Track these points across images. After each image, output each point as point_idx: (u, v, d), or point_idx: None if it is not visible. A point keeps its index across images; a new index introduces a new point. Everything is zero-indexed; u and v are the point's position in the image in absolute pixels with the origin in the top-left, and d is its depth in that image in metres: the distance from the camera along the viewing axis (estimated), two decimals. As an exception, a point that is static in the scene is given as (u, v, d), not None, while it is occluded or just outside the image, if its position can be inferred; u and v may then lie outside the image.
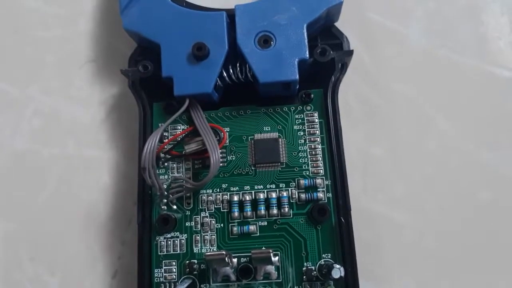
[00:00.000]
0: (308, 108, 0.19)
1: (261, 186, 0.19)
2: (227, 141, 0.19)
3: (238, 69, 0.19)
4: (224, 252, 0.17)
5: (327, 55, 0.18)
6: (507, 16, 0.22)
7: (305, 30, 0.18)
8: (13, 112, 0.23)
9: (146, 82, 0.19)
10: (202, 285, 0.18)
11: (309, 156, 0.19)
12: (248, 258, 0.18)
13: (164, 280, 0.18)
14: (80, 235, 0.21)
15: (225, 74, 0.19)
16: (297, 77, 0.18)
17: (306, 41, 0.18)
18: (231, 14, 0.19)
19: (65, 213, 0.21)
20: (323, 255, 0.18)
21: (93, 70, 0.23)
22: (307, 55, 0.18)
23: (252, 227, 0.18)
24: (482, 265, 0.19)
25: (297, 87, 0.19)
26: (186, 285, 0.17)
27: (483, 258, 0.19)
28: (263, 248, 0.17)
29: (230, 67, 0.19)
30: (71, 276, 0.21)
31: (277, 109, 0.19)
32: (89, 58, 0.23)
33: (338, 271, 0.16)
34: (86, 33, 0.23)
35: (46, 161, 0.22)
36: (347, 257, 0.17)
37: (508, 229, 0.20)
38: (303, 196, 0.19)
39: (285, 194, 0.19)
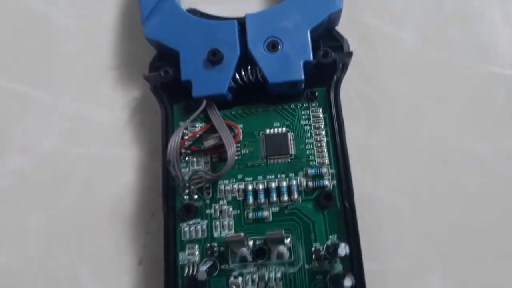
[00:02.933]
0: (313, 104, 0.21)
1: (273, 176, 0.20)
2: (241, 136, 0.21)
3: (249, 71, 0.20)
4: (242, 234, 0.18)
5: (329, 57, 0.20)
6: (499, 16, 0.23)
7: (309, 35, 0.20)
8: (45, 116, 0.24)
9: (166, 86, 0.21)
10: (222, 266, 0.19)
11: (315, 148, 0.20)
12: (262, 241, 0.19)
13: (187, 263, 0.19)
14: (107, 227, 0.22)
15: (237, 76, 0.20)
16: (303, 77, 0.20)
17: (310, 44, 0.20)
18: (241, 22, 0.21)
19: (93, 207, 0.22)
20: (330, 236, 0.19)
21: (115, 77, 0.24)
22: (311, 57, 0.20)
23: (265, 213, 0.20)
24: (472, 246, 0.21)
25: (303, 86, 0.20)
26: (208, 265, 0.18)
27: (472, 240, 0.21)
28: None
29: (242, 69, 0.20)
30: (100, 264, 0.22)
31: (285, 106, 0.21)
32: (112, 66, 0.24)
33: (343, 250, 0.18)
34: (107, 43, 0.24)
35: (75, 161, 0.23)
36: (352, 237, 0.19)
37: (496, 215, 0.21)
38: (310, 184, 0.20)
39: (294, 182, 0.20)
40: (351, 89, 0.22)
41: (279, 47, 0.20)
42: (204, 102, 0.20)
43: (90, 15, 0.25)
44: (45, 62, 0.24)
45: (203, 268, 0.18)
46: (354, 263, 0.18)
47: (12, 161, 0.23)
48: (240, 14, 0.21)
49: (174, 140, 0.19)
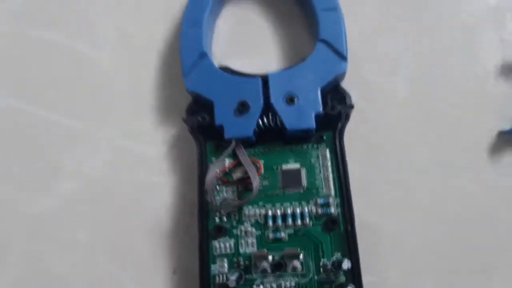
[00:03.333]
0: (322, 146, 0.23)
1: (288, 204, 0.23)
2: (263, 170, 0.23)
3: (271, 119, 0.23)
4: (265, 250, 0.22)
5: (335, 110, 0.23)
6: (477, 69, 0.26)
7: (319, 92, 0.23)
8: (96, 148, 0.26)
9: (202, 128, 0.24)
10: (246, 276, 0.22)
11: (323, 181, 0.23)
12: (280, 256, 0.22)
13: (218, 273, 0.22)
14: (147, 241, 0.24)
15: (261, 123, 0.23)
16: (314, 126, 0.23)
17: (320, 100, 0.23)
18: (264, 79, 0.23)
19: (136, 225, 0.25)
20: (335, 253, 0.22)
21: (156, 116, 0.27)
22: (321, 110, 0.23)
23: (282, 234, 0.22)
24: (458, 261, 0.24)
25: (314, 131, 0.23)
26: (236, 275, 0.22)
27: (457, 256, 0.24)
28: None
29: (264, 117, 0.23)
30: (141, 272, 0.24)
31: (299, 147, 0.23)
32: (152, 106, 0.27)
33: (346, 264, 0.21)
34: (150, 87, 0.27)
35: (121, 185, 0.25)
36: (352, 255, 0.21)
37: (476, 236, 0.24)
38: (319, 211, 0.22)
39: (306, 209, 0.22)
40: (353, 133, 0.24)
41: (295, 101, 0.23)
42: (233, 143, 0.23)
43: (134, 60, 0.27)
44: (96, 102, 0.27)
45: (233, 277, 0.21)
46: (355, 275, 0.21)
47: (65, 185, 0.26)
48: (260, 67, 0.25)
49: (212, 173, 0.22)
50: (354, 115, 0.24)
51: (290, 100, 0.23)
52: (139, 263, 0.24)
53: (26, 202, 0.26)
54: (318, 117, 0.23)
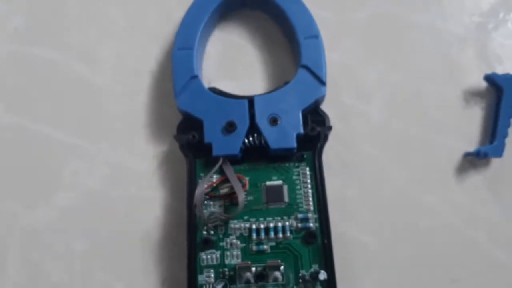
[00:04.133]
0: (302, 164, 0.25)
1: (271, 218, 0.24)
2: (248, 186, 0.25)
3: (256, 138, 0.25)
4: (249, 262, 0.23)
5: (315, 131, 0.25)
6: (444, 94, 0.28)
7: (300, 114, 0.24)
8: (90, 163, 0.27)
9: (191, 145, 0.25)
10: (231, 286, 0.23)
11: (303, 197, 0.24)
12: (262, 267, 0.23)
13: (205, 283, 0.23)
14: (138, 252, 0.26)
15: (246, 141, 0.25)
16: (295, 145, 0.24)
17: (301, 122, 0.24)
18: (250, 100, 0.25)
19: (128, 237, 0.26)
20: (313, 265, 0.23)
21: (148, 133, 0.28)
22: (302, 131, 0.24)
23: (265, 246, 0.24)
24: (426, 273, 0.26)
25: (295, 150, 0.25)
26: (221, 285, 0.23)
27: (427, 268, 0.26)
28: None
29: (250, 136, 0.25)
30: (132, 282, 0.25)
31: (281, 165, 0.25)
32: (145, 124, 0.28)
33: (322, 275, 0.22)
34: (143, 105, 0.28)
35: (113, 199, 0.27)
36: (328, 266, 0.23)
37: (444, 248, 0.26)
38: (299, 225, 0.24)
39: (287, 223, 0.24)
40: (331, 152, 0.26)
41: (278, 122, 0.24)
42: (221, 160, 0.24)
43: (128, 81, 0.29)
44: (91, 119, 0.28)
45: (219, 286, 0.23)
46: (331, 285, 0.23)
47: (62, 197, 0.27)
48: (248, 91, 0.26)
49: (200, 188, 0.24)
50: (332, 136, 0.26)
51: (274, 121, 0.25)
52: (131, 273, 0.26)
53: (25, 214, 0.27)
54: (299, 137, 0.25)
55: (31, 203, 0.27)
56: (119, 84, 0.29)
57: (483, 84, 0.28)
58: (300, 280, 0.23)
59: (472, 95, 0.29)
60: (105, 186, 0.27)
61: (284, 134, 0.25)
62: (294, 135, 0.25)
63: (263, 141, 0.25)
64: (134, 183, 0.27)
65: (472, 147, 0.28)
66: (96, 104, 0.29)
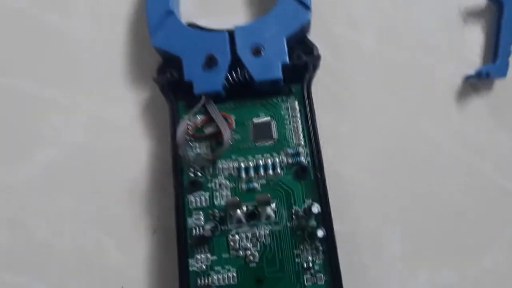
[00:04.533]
0: (291, 98, 0.24)
1: (260, 155, 0.23)
2: (234, 125, 0.24)
3: (239, 72, 0.23)
4: (238, 198, 0.22)
5: (302, 60, 0.23)
6: (440, 16, 0.26)
7: (285, 42, 0.23)
8: (69, 115, 0.26)
9: (172, 86, 0.24)
10: (222, 227, 0.22)
11: (292, 132, 0.23)
12: (254, 206, 0.22)
13: (195, 225, 0.22)
14: (127, 204, 0.25)
15: (229, 77, 0.23)
16: (281, 75, 0.23)
17: (286, 49, 0.23)
18: (231, 33, 0.24)
19: (113, 188, 0.25)
20: (306, 200, 0.22)
21: (128, 80, 0.27)
22: (287, 60, 0.23)
23: (255, 184, 0.23)
24: (426, 208, 0.24)
25: (282, 83, 0.24)
26: (211, 225, 0.22)
27: (426, 204, 0.24)
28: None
29: (233, 71, 0.23)
30: (121, 236, 0.25)
31: (269, 100, 0.24)
32: (124, 70, 0.27)
33: (316, 208, 0.22)
34: (120, 51, 0.27)
35: (97, 151, 0.25)
36: (323, 200, 0.22)
37: (445, 182, 0.25)
38: (290, 160, 0.23)
39: (277, 160, 0.23)
40: (321, 84, 0.25)
41: (262, 52, 0.23)
42: (203, 98, 0.23)
43: (103, 27, 0.27)
44: (67, 69, 0.27)
45: (208, 226, 0.22)
46: (325, 220, 0.22)
47: (43, 153, 0.26)
48: (229, 25, 0.24)
49: (182, 127, 0.23)
50: (321, 67, 0.25)
51: (257, 51, 0.23)
52: (120, 227, 0.25)
53: (6, 173, 0.26)
54: (285, 68, 0.23)
55: (10, 162, 0.26)
56: (94, 30, 0.27)
57: (482, 1, 0.26)
58: (293, 216, 0.22)
59: (470, 14, 0.27)
60: (87, 138, 0.26)
61: (269, 65, 0.23)
62: (279, 65, 0.23)
63: (247, 75, 0.23)
64: (116, 133, 0.26)
65: (473, 70, 0.26)
66: (71, 54, 0.27)
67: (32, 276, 0.25)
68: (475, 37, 0.27)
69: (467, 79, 0.26)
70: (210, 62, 0.23)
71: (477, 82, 0.26)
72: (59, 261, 0.25)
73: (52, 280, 0.24)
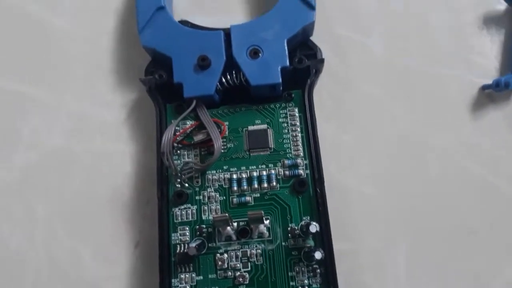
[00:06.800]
0: (290, 105, 0.22)
1: (254, 166, 0.22)
2: (227, 132, 0.22)
3: (234, 75, 0.22)
4: (227, 214, 0.20)
5: (304, 63, 0.22)
6: (454, 22, 0.25)
7: (285, 44, 0.22)
8: (50, 116, 0.25)
9: (160, 88, 0.23)
10: (209, 244, 0.21)
11: (291, 142, 0.22)
12: (245, 222, 0.21)
13: (179, 242, 0.21)
14: (107, 214, 0.23)
15: (224, 80, 0.22)
16: (280, 80, 0.21)
17: (286, 52, 0.22)
18: (227, 32, 0.22)
19: (94, 196, 0.24)
20: (303, 218, 0.21)
21: (114, 80, 0.25)
22: (288, 63, 0.22)
23: (248, 198, 0.21)
24: (431, 224, 0.23)
25: (281, 88, 0.22)
26: (197, 243, 0.20)
27: (431, 219, 0.23)
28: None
29: (227, 74, 0.22)
30: (100, 248, 0.23)
31: (266, 106, 0.22)
32: (111, 70, 0.25)
33: (314, 227, 0.20)
34: (106, 49, 0.26)
35: (78, 155, 0.24)
36: (322, 218, 0.20)
37: (451, 197, 0.23)
38: (287, 172, 0.21)
39: (273, 172, 0.21)
40: (324, 91, 0.24)
41: (260, 54, 0.22)
42: (194, 102, 0.22)
43: (90, 22, 0.26)
44: (49, 66, 0.26)
45: (193, 244, 0.20)
46: (324, 240, 0.20)
47: (21, 156, 0.25)
48: (226, 25, 0.23)
49: (168, 134, 0.21)
50: (325, 72, 0.24)
51: (254, 53, 0.22)
52: (99, 238, 0.23)
53: None
54: (285, 72, 0.22)
55: None
56: (81, 26, 0.27)
57: (501, 5, 0.25)
58: (289, 235, 0.21)
59: (488, 19, 0.25)
60: (68, 141, 0.25)
61: (267, 68, 0.22)
62: (279, 69, 0.22)
63: (242, 79, 0.22)
64: (100, 136, 0.25)
65: (489, 79, 0.24)
66: (55, 49, 0.26)
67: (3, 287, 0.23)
68: (492, 45, 0.25)
69: (484, 88, 0.24)
70: (203, 64, 0.22)
71: (494, 93, 0.24)
72: (33, 272, 0.23)
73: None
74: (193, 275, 0.21)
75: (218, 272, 0.21)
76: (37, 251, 0.23)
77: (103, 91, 0.25)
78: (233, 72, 0.22)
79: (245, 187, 0.22)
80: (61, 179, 0.24)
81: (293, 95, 0.23)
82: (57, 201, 0.24)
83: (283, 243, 0.21)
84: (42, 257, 0.23)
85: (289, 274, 0.20)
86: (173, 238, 0.21)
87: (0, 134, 0.25)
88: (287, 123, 0.22)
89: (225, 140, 0.22)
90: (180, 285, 0.21)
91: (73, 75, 0.26)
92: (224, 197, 0.22)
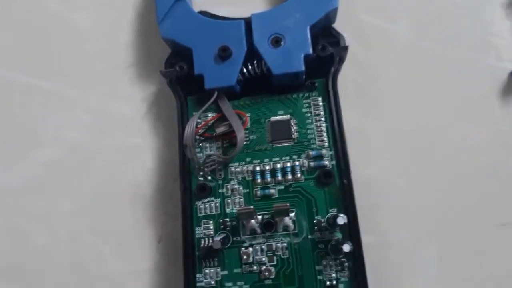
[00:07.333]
0: (313, 94, 0.22)
1: (278, 158, 0.21)
2: (249, 123, 0.22)
3: (256, 65, 0.22)
4: (252, 207, 0.20)
5: (327, 51, 0.21)
6: (483, 7, 0.24)
7: (308, 31, 0.21)
8: (71, 111, 0.25)
9: (181, 80, 0.22)
10: (234, 238, 0.20)
11: (315, 132, 0.21)
12: (270, 215, 0.20)
13: (203, 236, 0.21)
14: (129, 209, 0.23)
15: (245, 70, 0.22)
16: (303, 68, 0.21)
17: (309, 40, 0.21)
18: (248, 22, 0.22)
19: (116, 192, 0.24)
20: (330, 210, 0.20)
21: (134, 73, 0.25)
22: (311, 51, 0.21)
23: (272, 190, 0.21)
24: (461, 217, 0.22)
25: (304, 77, 0.22)
26: (221, 237, 0.20)
27: (461, 211, 0.22)
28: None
29: (249, 64, 0.22)
30: (122, 244, 0.23)
31: (288, 96, 0.22)
32: (130, 64, 0.25)
33: (342, 219, 0.19)
34: (126, 43, 0.26)
35: (99, 150, 0.24)
36: (349, 210, 0.20)
37: (479, 188, 0.22)
38: (312, 164, 0.21)
39: (297, 163, 0.21)
40: (348, 79, 0.23)
41: (282, 42, 0.21)
42: (215, 94, 0.21)
43: (109, 18, 0.26)
44: (70, 62, 0.26)
45: (218, 238, 0.20)
46: (352, 232, 0.20)
47: (43, 153, 0.25)
48: (246, 14, 0.22)
49: (190, 126, 0.21)
50: (349, 59, 0.23)
51: (276, 41, 0.21)
52: (122, 233, 0.23)
53: (1, 172, 0.25)
54: (308, 60, 0.21)
55: (7, 161, 0.25)
56: (99, 21, 0.26)
57: None
58: (315, 227, 0.20)
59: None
60: (89, 136, 0.25)
61: (289, 56, 0.21)
62: (302, 57, 0.21)
63: (264, 68, 0.22)
64: (121, 131, 0.25)
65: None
66: (75, 45, 0.26)
67: (27, 285, 0.23)
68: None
69: (514, 75, 0.23)
70: (224, 54, 0.21)
71: (526, 78, 0.23)
72: (55, 269, 0.23)
73: (48, 289, 0.23)
74: (218, 269, 0.20)
75: (243, 266, 0.20)
76: (60, 247, 0.23)
77: (123, 85, 0.25)
78: (255, 61, 0.22)
79: (269, 179, 0.21)
80: (83, 175, 0.24)
81: (316, 84, 0.22)
82: (79, 197, 0.24)
83: (309, 236, 0.20)
84: (65, 253, 0.23)
85: (316, 268, 0.20)
86: (196, 232, 0.21)
87: (22, 130, 0.25)
88: (311, 113, 0.22)
89: (247, 131, 0.22)
90: (204, 280, 0.20)
91: (93, 70, 0.26)
92: (248, 190, 0.21)
